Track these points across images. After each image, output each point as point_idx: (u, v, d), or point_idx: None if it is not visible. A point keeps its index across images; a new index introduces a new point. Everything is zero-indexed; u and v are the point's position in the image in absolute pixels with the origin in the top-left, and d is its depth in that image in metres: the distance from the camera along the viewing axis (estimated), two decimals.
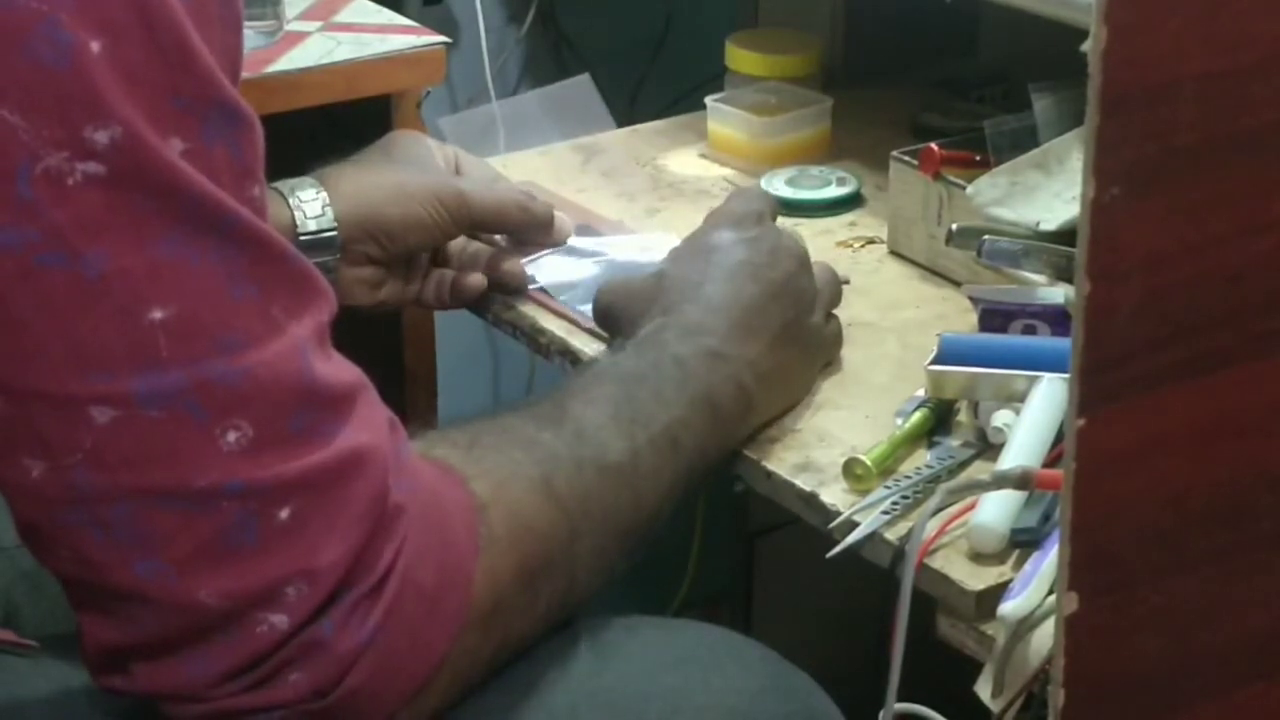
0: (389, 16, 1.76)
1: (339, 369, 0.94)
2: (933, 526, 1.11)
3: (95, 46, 0.85)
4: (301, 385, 0.90)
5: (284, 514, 0.90)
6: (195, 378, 0.88)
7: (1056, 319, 1.22)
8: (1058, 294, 1.23)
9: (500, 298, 1.40)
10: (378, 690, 0.93)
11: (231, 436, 0.89)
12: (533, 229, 1.40)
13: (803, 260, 1.26)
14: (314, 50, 1.67)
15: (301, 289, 0.92)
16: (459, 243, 1.40)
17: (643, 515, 1.09)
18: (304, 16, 1.73)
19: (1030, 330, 1.23)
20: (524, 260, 1.40)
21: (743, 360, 1.19)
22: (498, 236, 1.42)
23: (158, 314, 0.87)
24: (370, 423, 0.94)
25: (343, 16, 1.75)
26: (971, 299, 1.27)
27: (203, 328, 0.88)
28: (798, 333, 1.23)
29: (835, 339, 1.29)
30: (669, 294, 1.21)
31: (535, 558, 1.00)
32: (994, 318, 1.24)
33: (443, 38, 1.71)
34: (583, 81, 1.59)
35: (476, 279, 1.38)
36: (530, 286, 1.39)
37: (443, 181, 1.36)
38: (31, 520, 0.92)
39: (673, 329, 1.18)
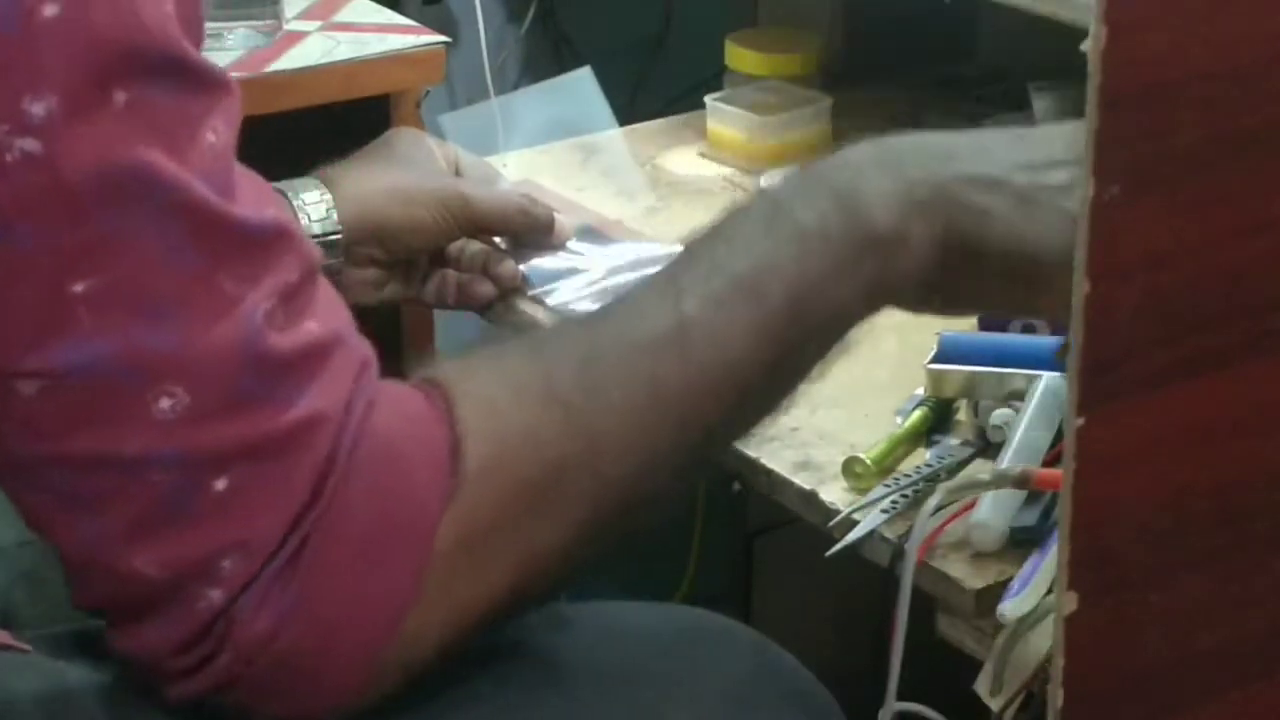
0: (388, 16, 1.76)
1: (306, 326, 0.91)
2: (932, 525, 1.11)
3: (49, 10, 0.83)
4: (248, 352, 0.88)
5: (220, 484, 0.89)
6: (121, 346, 0.87)
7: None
8: None
9: (501, 298, 1.40)
10: (315, 653, 0.91)
11: (165, 403, 0.87)
12: (533, 231, 1.41)
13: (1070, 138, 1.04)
14: (313, 50, 1.67)
15: (258, 253, 0.90)
16: (458, 243, 1.40)
17: (703, 385, 0.97)
18: (303, 16, 1.73)
19: (1029, 329, 1.23)
20: (524, 262, 1.41)
21: (870, 187, 1.00)
22: (497, 238, 1.42)
23: (79, 286, 0.86)
24: (332, 383, 0.91)
25: (342, 16, 1.75)
26: None
27: (128, 297, 0.86)
28: (1017, 185, 1.02)
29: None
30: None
31: (533, 472, 0.94)
32: (994, 317, 1.25)
33: (442, 37, 1.71)
34: (583, 75, 1.59)
35: (487, 288, 1.38)
36: (530, 291, 1.40)
37: (446, 184, 1.37)
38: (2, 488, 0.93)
39: (790, 177, 1.04)
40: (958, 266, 1.02)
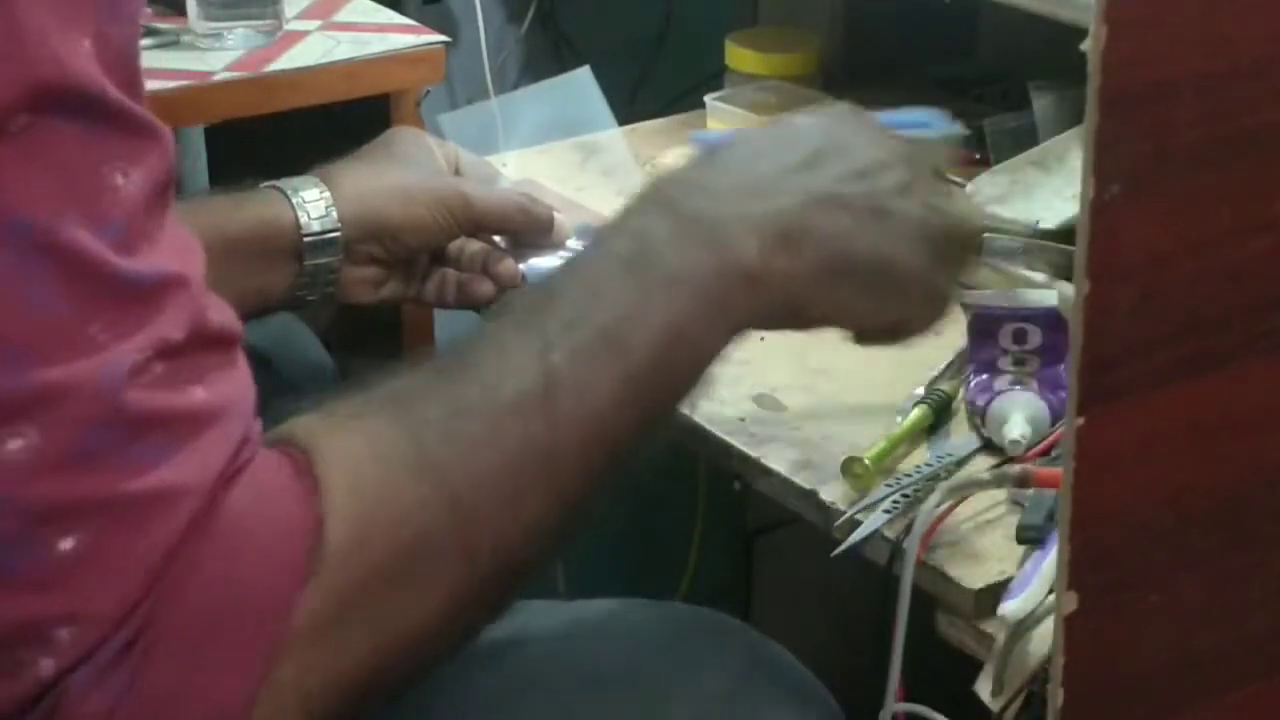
0: (388, 15, 1.76)
1: (186, 394, 0.86)
2: (932, 524, 1.11)
3: None
4: (107, 406, 0.83)
5: (65, 545, 0.83)
6: None
7: (1048, 321, 1.21)
8: (1050, 296, 1.23)
9: (500, 298, 1.40)
10: None
11: (15, 444, 0.82)
12: (533, 230, 1.41)
13: (880, 131, 1.09)
14: (313, 49, 1.67)
15: (137, 305, 0.85)
16: (458, 242, 1.40)
17: (572, 445, 0.95)
18: (303, 16, 1.74)
19: (1021, 334, 1.22)
20: (524, 262, 1.41)
21: (730, 217, 1.01)
22: (497, 237, 1.42)
23: None
24: (201, 457, 0.86)
25: (342, 16, 1.75)
26: (961, 304, 1.26)
27: None
28: (863, 201, 1.05)
29: (932, 233, 1.07)
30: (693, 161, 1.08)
31: (398, 547, 0.90)
32: (983, 322, 1.24)
33: (442, 37, 1.71)
34: (583, 75, 1.59)
35: (487, 287, 1.38)
36: None
37: (446, 183, 1.37)
38: None
39: (647, 205, 1.04)
40: (827, 286, 1.04)
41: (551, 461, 0.94)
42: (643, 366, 0.97)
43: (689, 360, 1.00)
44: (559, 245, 1.42)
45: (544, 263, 1.42)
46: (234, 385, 0.88)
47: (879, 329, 1.10)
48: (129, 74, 0.85)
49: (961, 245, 1.09)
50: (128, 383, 0.83)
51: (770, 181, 1.04)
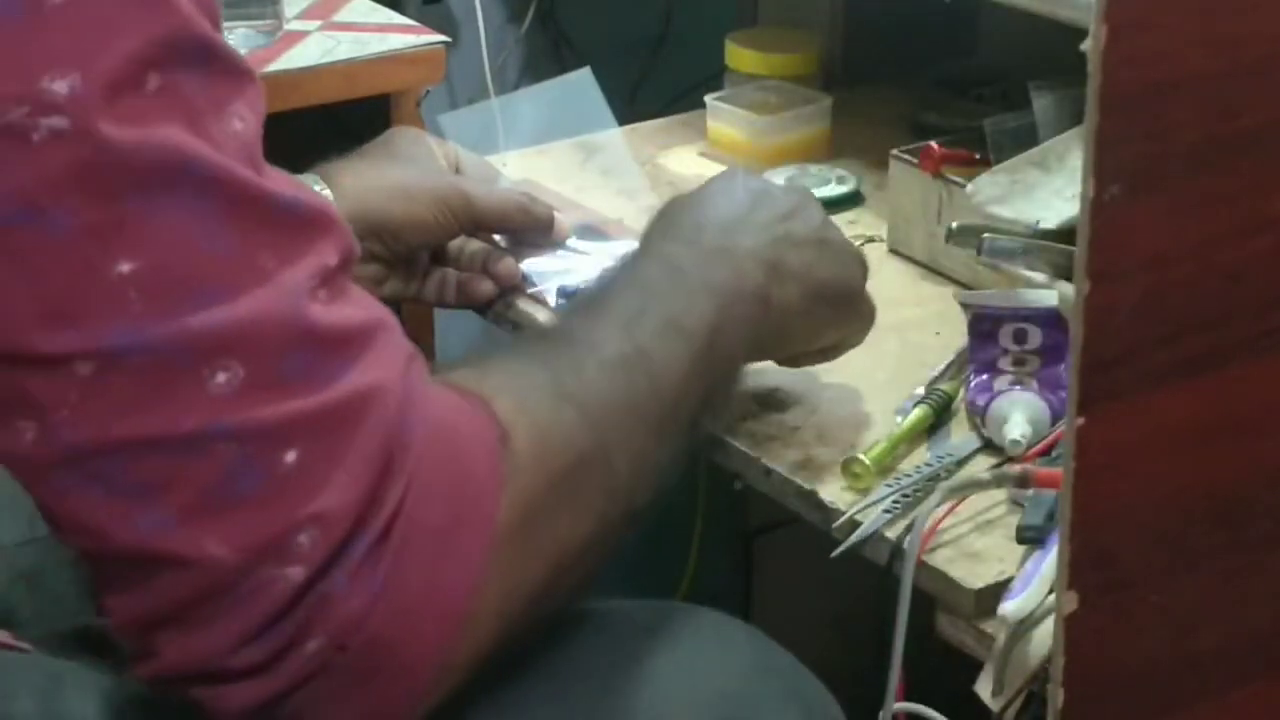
0: (388, 15, 1.76)
1: (349, 309, 0.92)
2: (931, 525, 1.11)
3: None
4: (295, 328, 0.88)
5: (289, 457, 0.88)
6: (173, 330, 0.86)
7: (1048, 321, 1.21)
8: (1050, 296, 1.23)
9: (500, 297, 1.40)
10: (400, 639, 0.90)
11: (221, 378, 0.87)
12: (533, 229, 1.41)
13: (766, 181, 1.26)
14: (314, 49, 1.67)
15: (295, 233, 0.90)
16: (458, 241, 1.40)
17: (666, 400, 1.05)
18: (304, 16, 1.74)
19: (1021, 334, 1.22)
20: (524, 261, 1.41)
21: (741, 250, 1.16)
22: (497, 236, 1.42)
23: (125, 267, 0.85)
24: (383, 361, 0.92)
25: (342, 16, 1.75)
26: (962, 304, 1.26)
27: (176, 281, 0.86)
28: (807, 236, 1.20)
29: (858, 253, 1.26)
30: (658, 219, 1.21)
31: (565, 463, 0.98)
32: (984, 322, 1.24)
33: (442, 37, 1.71)
34: (583, 76, 1.59)
35: (487, 286, 1.38)
36: (530, 290, 1.40)
37: (446, 182, 1.37)
38: (37, 494, 0.91)
39: (659, 238, 1.16)
40: (808, 314, 1.20)
41: (653, 409, 1.04)
42: (700, 350, 1.08)
43: (727, 357, 1.12)
44: (559, 244, 1.43)
45: (544, 263, 1.42)
46: (375, 303, 0.94)
47: (824, 350, 1.25)
48: (215, 19, 0.90)
49: (862, 263, 1.25)
50: (308, 305, 0.88)
51: (735, 226, 1.17)
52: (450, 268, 1.41)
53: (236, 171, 0.88)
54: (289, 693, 0.90)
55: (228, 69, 0.90)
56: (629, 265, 1.14)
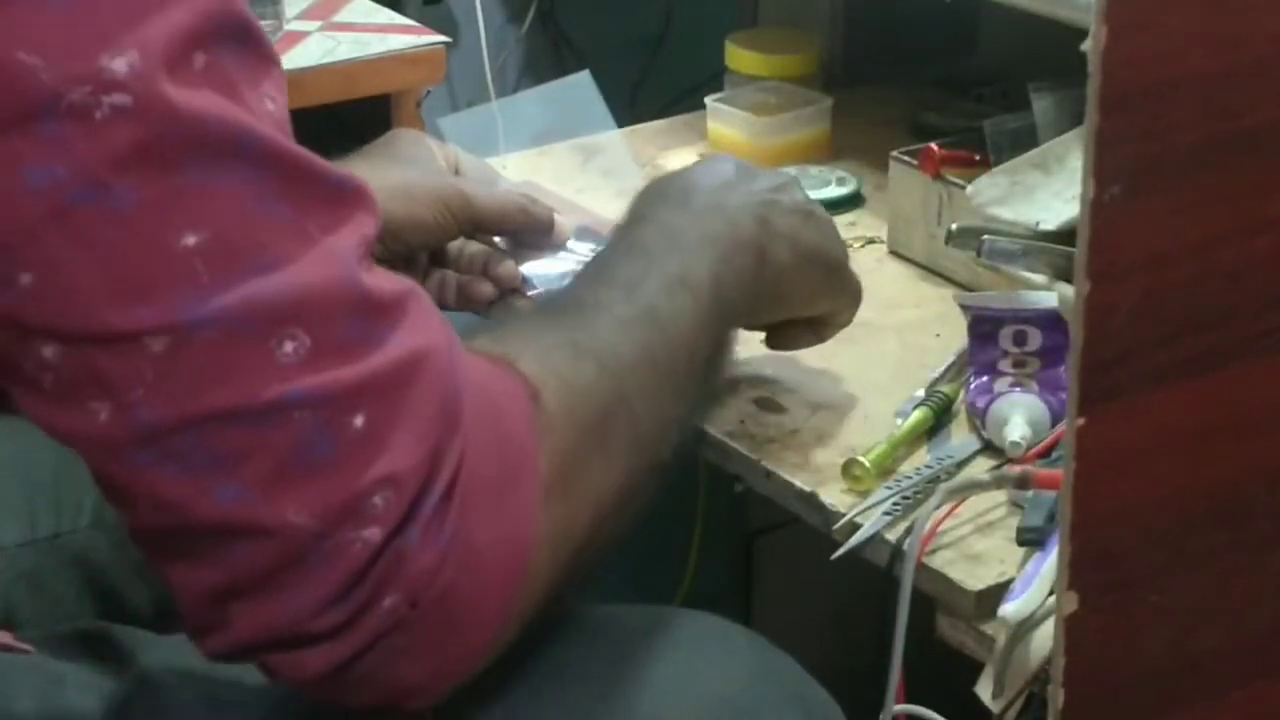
0: (389, 16, 1.76)
1: (386, 278, 0.93)
2: (931, 526, 1.11)
3: None
4: (352, 294, 0.90)
5: (358, 421, 0.89)
6: (239, 299, 0.87)
7: (1048, 323, 1.21)
8: (1049, 298, 1.23)
9: (500, 299, 1.40)
10: (468, 591, 0.92)
11: (289, 346, 0.88)
12: (533, 231, 1.41)
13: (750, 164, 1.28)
14: (314, 50, 1.67)
15: (338, 204, 0.91)
16: (457, 243, 1.40)
17: (678, 353, 1.07)
18: (304, 16, 1.74)
19: (1021, 336, 1.22)
20: (524, 263, 1.41)
21: (731, 205, 1.18)
22: (497, 238, 1.42)
23: (190, 239, 0.86)
24: (424, 325, 0.93)
25: (343, 16, 1.75)
26: (962, 306, 1.26)
27: (238, 251, 0.87)
28: (793, 206, 1.23)
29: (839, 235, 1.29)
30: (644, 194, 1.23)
31: (593, 417, 1.00)
32: (983, 324, 1.24)
33: (442, 37, 1.72)
34: (583, 78, 1.59)
35: (487, 288, 1.38)
36: (530, 292, 1.40)
37: (446, 183, 1.37)
38: (108, 473, 0.91)
39: (649, 206, 1.18)
40: (803, 275, 1.22)
41: (667, 361, 1.06)
42: (706, 303, 1.10)
43: (730, 307, 1.13)
44: (559, 246, 1.42)
45: (544, 265, 1.42)
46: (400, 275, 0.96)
47: (813, 323, 1.27)
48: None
49: (844, 244, 1.27)
50: (357, 272, 0.90)
51: (722, 189, 1.19)
52: (450, 270, 1.41)
53: (283, 143, 0.89)
54: (363, 653, 0.91)
55: (260, 51, 0.91)
56: (624, 233, 1.15)
